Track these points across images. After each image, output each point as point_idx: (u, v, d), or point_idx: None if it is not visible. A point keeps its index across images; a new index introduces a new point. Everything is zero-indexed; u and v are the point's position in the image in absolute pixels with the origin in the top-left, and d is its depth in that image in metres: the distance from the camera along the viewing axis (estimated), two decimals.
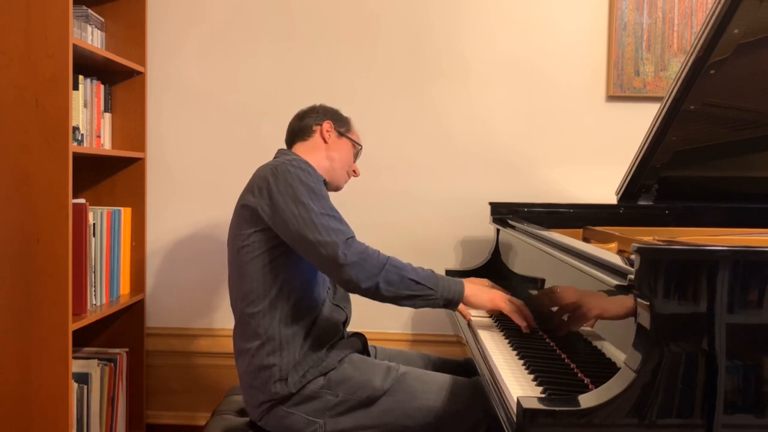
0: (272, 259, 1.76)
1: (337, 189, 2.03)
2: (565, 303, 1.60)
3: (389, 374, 1.74)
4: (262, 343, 1.74)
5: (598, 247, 1.60)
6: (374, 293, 1.67)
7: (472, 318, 1.91)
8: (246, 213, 1.78)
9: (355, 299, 1.84)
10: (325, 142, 1.98)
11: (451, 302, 1.71)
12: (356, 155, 2.07)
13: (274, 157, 1.95)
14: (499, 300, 1.75)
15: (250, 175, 1.84)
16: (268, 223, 1.74)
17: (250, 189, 1.79)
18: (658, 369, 1.11)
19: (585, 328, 1.45)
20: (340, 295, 1.95)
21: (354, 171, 2.07)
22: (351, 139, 2.04)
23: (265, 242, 1.76)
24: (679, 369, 1.12)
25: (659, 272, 1.14)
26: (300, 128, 2.00)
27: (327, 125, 1.99)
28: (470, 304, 1.75)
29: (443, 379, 1.77)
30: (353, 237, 1.70)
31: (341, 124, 2.03)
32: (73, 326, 2.16)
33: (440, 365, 2.02)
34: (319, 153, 1.97)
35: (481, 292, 1.75)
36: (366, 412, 1.71)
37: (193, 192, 2.78)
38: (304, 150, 1.97)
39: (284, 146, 2.04)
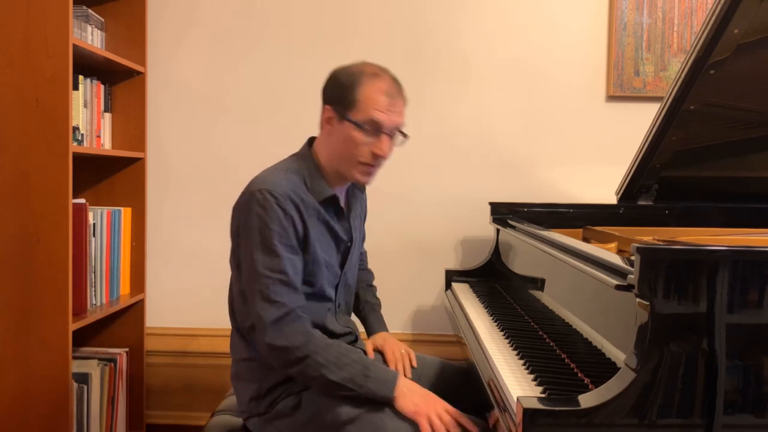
0: None
1: (352, 180, 1.74)
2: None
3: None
4: (245, 358, 1.71)
5: (598, 247, 1.60)
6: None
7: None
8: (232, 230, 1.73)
9: None
10: (329, 134, 1.69)
11: (376, 401, 1.57)
12: (371, 134, 1.64)
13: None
14: (421, 417, 1.52)
15: (250, 175, 1.79)
16: None
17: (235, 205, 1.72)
18: (658, 369, 1.11)
19: (585, 328, 1.45)
20: (343, 320, 1.83)
21: (375, 153, 1.65)
22: (353, 122, 1.63)
23: None
24: (679, 369, 1.12)
25: (659, 272, 1.14)
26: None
27: (327, 112, 1.68)
28: (398, 408, 1.56)
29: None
30: (289, 314, 1.57)
31: (344, 103, 1.65)
32: (73, 326, 2.16)
33: (440, 369, 1.91)
34: (327, 145, 1.71)
35: (409, 402, 1.55)
36: None
37: (193, 192, 2.78)
38: (319, 141, 1.75)
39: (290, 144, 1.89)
